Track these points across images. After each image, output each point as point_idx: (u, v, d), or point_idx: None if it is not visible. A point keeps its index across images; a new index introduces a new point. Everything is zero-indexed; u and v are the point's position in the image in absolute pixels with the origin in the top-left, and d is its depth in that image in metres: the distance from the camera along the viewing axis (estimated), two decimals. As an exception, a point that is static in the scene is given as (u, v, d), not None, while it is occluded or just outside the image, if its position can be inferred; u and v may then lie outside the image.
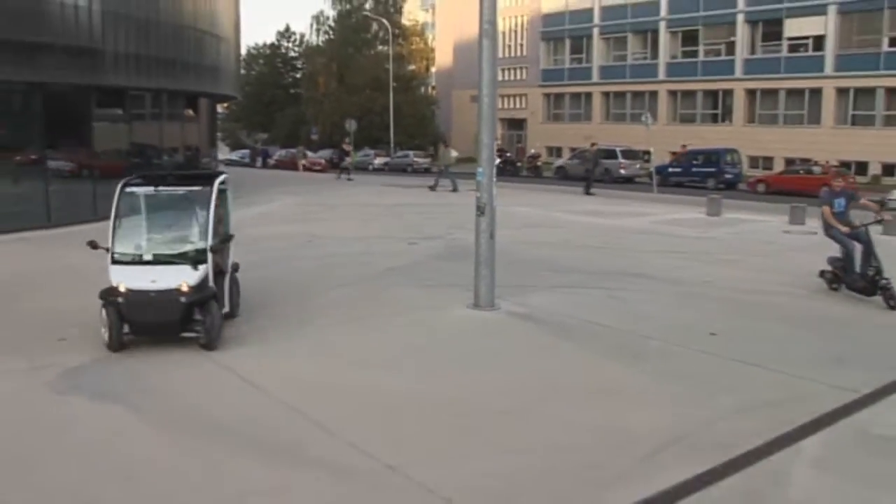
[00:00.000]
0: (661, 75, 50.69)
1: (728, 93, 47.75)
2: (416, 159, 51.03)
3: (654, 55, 51.24)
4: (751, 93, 46.67)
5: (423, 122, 65.72)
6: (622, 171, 39.61)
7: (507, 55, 60.32)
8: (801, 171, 35.40)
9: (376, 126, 58.58)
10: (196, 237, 9.04)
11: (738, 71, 46.60)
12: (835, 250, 12.01)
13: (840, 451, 6.28)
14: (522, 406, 7.15)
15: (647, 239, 17.83)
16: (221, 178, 9.65)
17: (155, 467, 5.80)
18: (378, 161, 52.09)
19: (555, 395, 7.48)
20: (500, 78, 54.61)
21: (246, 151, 61.85)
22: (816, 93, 43.29)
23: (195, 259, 8.80)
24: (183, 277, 8.59)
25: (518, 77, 60.91)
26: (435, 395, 7.39)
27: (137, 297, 8.49)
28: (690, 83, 49.27)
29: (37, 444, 6.19)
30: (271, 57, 79.90)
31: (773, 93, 45.57)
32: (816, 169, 34.61)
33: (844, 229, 11.54)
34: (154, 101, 23.84)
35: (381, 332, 9.74)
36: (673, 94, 50.59)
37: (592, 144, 35.79)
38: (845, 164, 36.84)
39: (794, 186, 32.96)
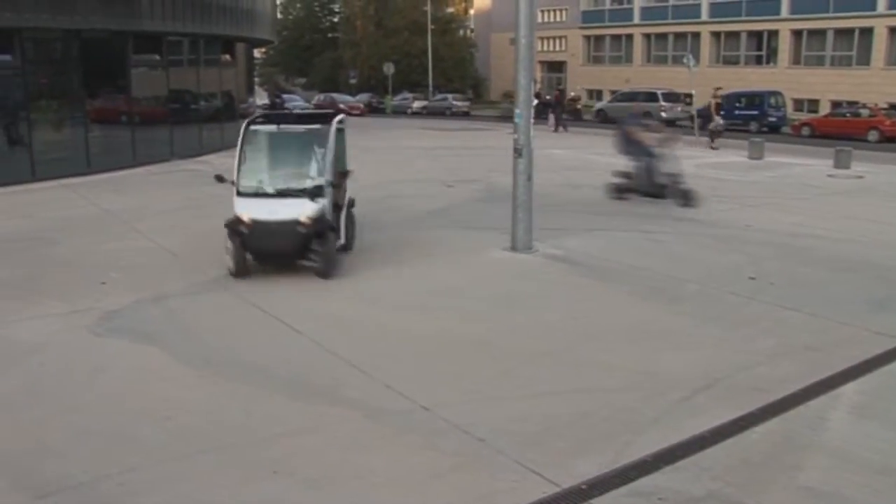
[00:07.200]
0: (704, 16, 49.42)
1: (773, 34, 46.46)
2: (454, 102, 50.72)
3: (698, -5, 49.97)
4: (797, 33, 45.37)
5: (462, 65, 65.02)
6: (663, 114, 38.95)
7: (546, -3, 59.26)
8: (848, 115, 34.49)
9: (414, 69, 58.11)
10: (315, 173, 9.56)
11: (785, 10, 45.24)
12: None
13: (879, 398, 6.17)
14: (557, 349, 7.12)
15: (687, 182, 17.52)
16: (339, 117, 10.31)
17: (191, 407, 5.87)
18: (416, 105, 51.74)
19: (589, 337, 7.44)
20: (538, 20, 53.99)
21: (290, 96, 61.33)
22: (867, 32, 41.90)
23: (314, 193, 9.25)
24: (302, 210, 9.14)
25: (557, 19, 59.80)
26: (470, 337, 7.38)
27: (260, 228, 9.11)
28: (734, 24, 47.99)
29: (75, 386, 6.30)
30: (308, 1, 79.36)
31: (820, 33, 44.23)
32: (864, 112, 33.73)
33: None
34: (191, 46, 23.80)
35: (418, 275, 9.75)
36: (716, 35, 49.37)
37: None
38: (894, 107, 35.87)
39: (840, 130, 32.18)
